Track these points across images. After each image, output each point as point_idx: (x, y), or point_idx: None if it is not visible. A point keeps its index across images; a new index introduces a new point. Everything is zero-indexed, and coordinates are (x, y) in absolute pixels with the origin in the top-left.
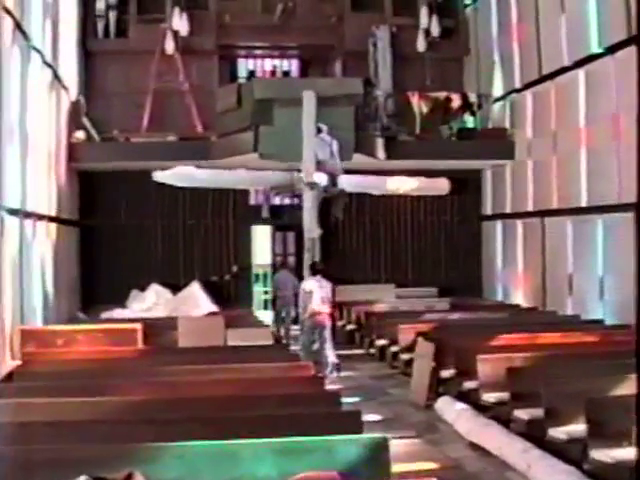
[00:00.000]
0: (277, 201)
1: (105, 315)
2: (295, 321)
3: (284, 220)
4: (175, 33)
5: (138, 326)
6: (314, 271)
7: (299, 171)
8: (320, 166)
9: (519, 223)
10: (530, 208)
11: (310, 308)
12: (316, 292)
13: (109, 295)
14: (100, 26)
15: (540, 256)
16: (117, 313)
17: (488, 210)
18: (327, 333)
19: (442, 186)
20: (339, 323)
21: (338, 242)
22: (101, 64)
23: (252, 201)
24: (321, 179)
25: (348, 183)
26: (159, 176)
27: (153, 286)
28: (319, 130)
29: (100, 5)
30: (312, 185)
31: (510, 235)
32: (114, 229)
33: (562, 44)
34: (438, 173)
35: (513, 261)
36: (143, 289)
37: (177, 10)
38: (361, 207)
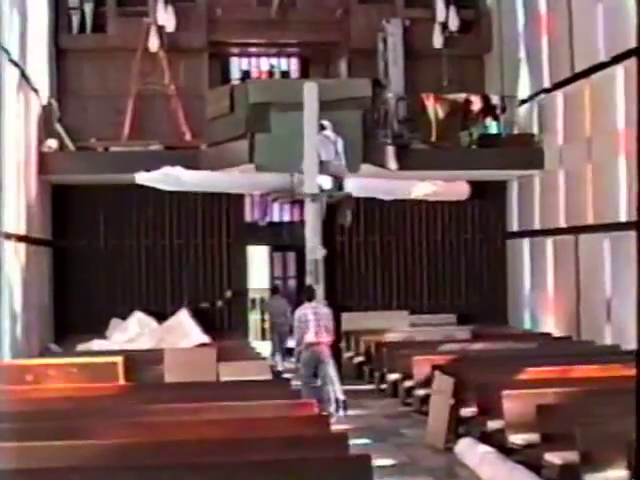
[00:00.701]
0: (275, 216)
1: (81, 347)
2: (290, 352)
3: (283, 239)
4: (160, 28)
5: (119, 359)
6: (309, 296)
7: (300, 172)
8: (324, 167)
9: (549, 241)
10: (562, 224)
11: (306, 338)
12: (312, 320)
13: (86, 324)
14: (74, 20)
15: (573, 278)
16: (95, 345)
17: (514, 226)
18: (330, 366)
19: (461, 190)
20: (345, 355)
21: (344, 263)
22: (76, 63)
23: (247, 218)
24: (325, 182)
25: (355, 186)
26: (142, 178)
27: (136, 314)
28: (322, 127)
29: None
30: (314, 196)
31: (539, 254)
32: (91, 250)
33: (598, 37)
34: None
35: (543, 284)
36: (124, 317)
37: (162, 3)
38: (370, 224)
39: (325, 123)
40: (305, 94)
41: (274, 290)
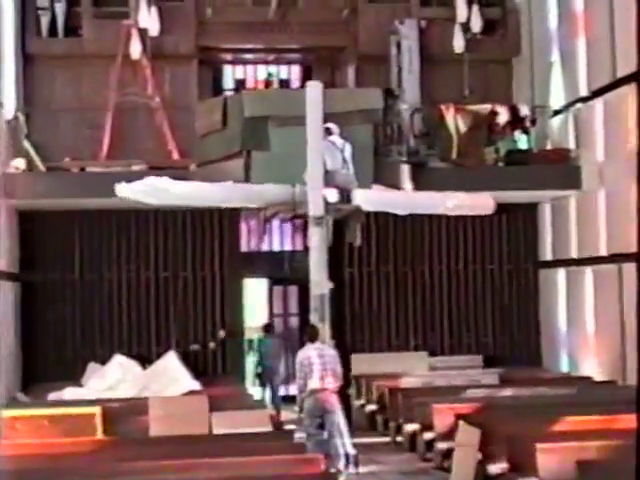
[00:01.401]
0: (275, 244)
1: (53, 396)
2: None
3: (284, 270)
4: (142, 32)
5: (97, 410)
6: (312, 336)
7: (303, 184)
8: (329, 178)
9: (588, 271)
10: (603, 252)
11: (310, 384)
12: (316, 363)
13: (58, 370)
14: (44, 22)
15: (617, 314)
16: (69, 394)
17: (547, 255)
18: (337, 416)
19: (486, 203)
20: (355, 403)
21: (354, 298)
22: (46, 72)
23: (243, 247)
24: (331, 195)
25: (366, 200)
26: (124, 190)
27: (117, 358)
28: (328, 131)
29: None
30: (319, 219)
31: (577, 287)
32: (65, 284)
33: None
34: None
35: (581, 320)
36: (104, 362)
37: (145, 2)
38: (383, 253)
39: (332, 127)
40: (308, 95)
41: (267, 328)
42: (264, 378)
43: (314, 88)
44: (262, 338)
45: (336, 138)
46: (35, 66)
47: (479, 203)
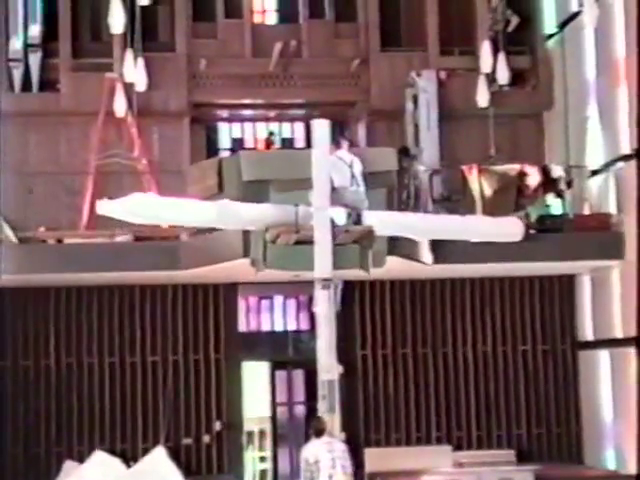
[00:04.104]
0: (277, 324)
1: None
2: None
3: (288, 353)
4: (128, 87)
5: None
6: (317, 430)
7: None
8: (337, 196)
9: (635, 352)
10: None
11: None
12: (324, 460)
13: (30, 470)
14: (16, 75)
15: None
16: None
17: (588, 334)
18: None
19: (514, 229)
20: None
21: (368, 384)
22: (18, 131)
23: (242, 327)
24: (339, 216)
25: (379, 221)
26: (106, 208)
27: (97, 455)
28: (337, 144)
29: (16, 44)
30: (326, 282)
31: (622, 370)
32: (39, 371)
33: None
34: (510, 281)
35: (629, 409)
36: (82, 460)
37: (130, 53)
38: (400, 333)
39: (342, 141)
40: (314, 133)
41: None
42: None
43: (321, 127)
44: None
45: (344, 153)
46: (6, 124)
47: (506, 229)
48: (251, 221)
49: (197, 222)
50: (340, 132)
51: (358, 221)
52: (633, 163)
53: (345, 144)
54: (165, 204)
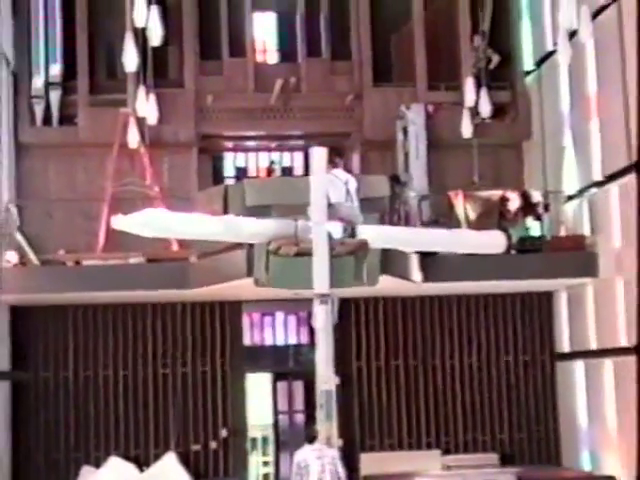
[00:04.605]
0: (279, 339)
1: None
2: None
3: (288, 365)
4: (140, 120)
5: None
6: (310, 438)
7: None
8: (333, 211)
9: (608, 363)
10: (623, 342)
11: None
12: (314, 465)
13: (50, 474)
14: (38, 110)
15: None
16: None
17: (565, 346)
18: None
19: (497, 240)
20: None
21: (362, 394)
22: (39, 161)
23: (246, 341)
24: (335, 230)
25: (372, 234)
26: (121, 223)
27: (112, 460)
28: (332, 164)
29: (38, 82)
30: (324, 298)
31: (597, 379)
32: (58, 383)
33: None
34: (494, 297)
35: (602, 415)
36: (98, 465)
37: (142, 90)
38: (393, 346)
39: (337, 160)
40: (312, 160)
41: None
42: None
43: (318, 153)
44: None
45: (339, 171)
46: (28, 156)
47: (490, 240)
48: (254, 234)
49: (205, 235)
50: (337, 154)
51: (353, 234)
52: (605, 188)
53: (340, 163)
54: (175, 218)
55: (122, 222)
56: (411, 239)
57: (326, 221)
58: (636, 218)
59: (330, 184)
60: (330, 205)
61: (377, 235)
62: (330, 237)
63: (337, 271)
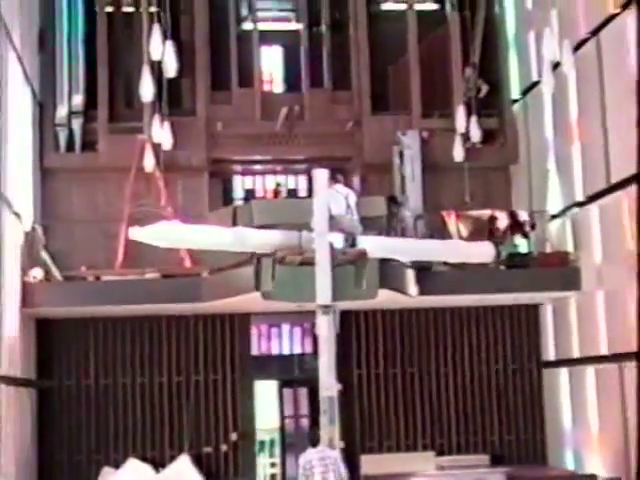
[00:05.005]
0: (285, 348)
1: None
2: None
3: (294, 373)
4: (156, 146)
5: None
6: (314, 441)
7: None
8: (334, 223)
9: (590, 370)
10: (604, 351)
11: None
12: (317, 467)
13: (74, 474)
14: (62, 138)
15: (620, 412)
16: None
17: (550, 354)
18: None
19: (486, 250)
20: None
21: (362, 400)
22: (63, 185)
23: (254, 351)
24: (336, 240)
25: (372, 245)
26: (138, 234)
27: (130, 462)
28: (334, 179)
29: (61, 112)
30: (326, 309)
31: (580, 386)
32: (81, 390)
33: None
34: (484, 310)
35: (585, 419)
36: (118, 466)
37: (158, 118)
38: (391, 355)
39: (339, 176)
40: (315, 181)
41: None
42: None
43: (321, 174)
44: None
45: (340, 187)
46: (53, 180)
47: (480, 250)
48: (261, 244)
49: (215, 245)
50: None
51: (353, 244)
52: (586, 208)
53: (341, 179)
54: (187, 229)
55: (139, 234)
56: (407, 249)
57: (328, 232)
58: (636, 227)
59: (332, 198)
60: (332, 217)
61: (376, 245)
62: (332, 247)
63: (338, 281)
